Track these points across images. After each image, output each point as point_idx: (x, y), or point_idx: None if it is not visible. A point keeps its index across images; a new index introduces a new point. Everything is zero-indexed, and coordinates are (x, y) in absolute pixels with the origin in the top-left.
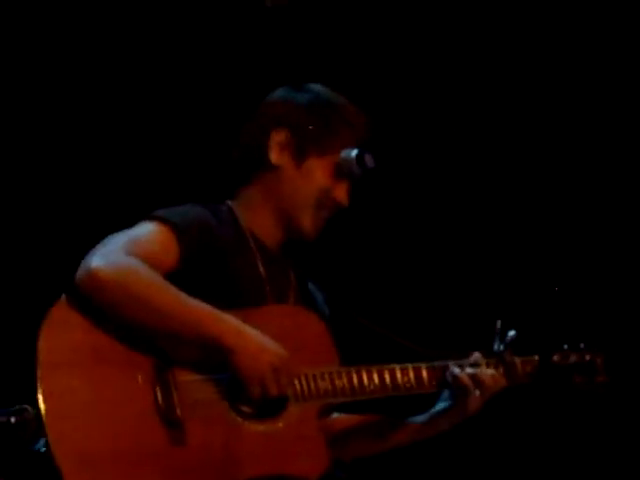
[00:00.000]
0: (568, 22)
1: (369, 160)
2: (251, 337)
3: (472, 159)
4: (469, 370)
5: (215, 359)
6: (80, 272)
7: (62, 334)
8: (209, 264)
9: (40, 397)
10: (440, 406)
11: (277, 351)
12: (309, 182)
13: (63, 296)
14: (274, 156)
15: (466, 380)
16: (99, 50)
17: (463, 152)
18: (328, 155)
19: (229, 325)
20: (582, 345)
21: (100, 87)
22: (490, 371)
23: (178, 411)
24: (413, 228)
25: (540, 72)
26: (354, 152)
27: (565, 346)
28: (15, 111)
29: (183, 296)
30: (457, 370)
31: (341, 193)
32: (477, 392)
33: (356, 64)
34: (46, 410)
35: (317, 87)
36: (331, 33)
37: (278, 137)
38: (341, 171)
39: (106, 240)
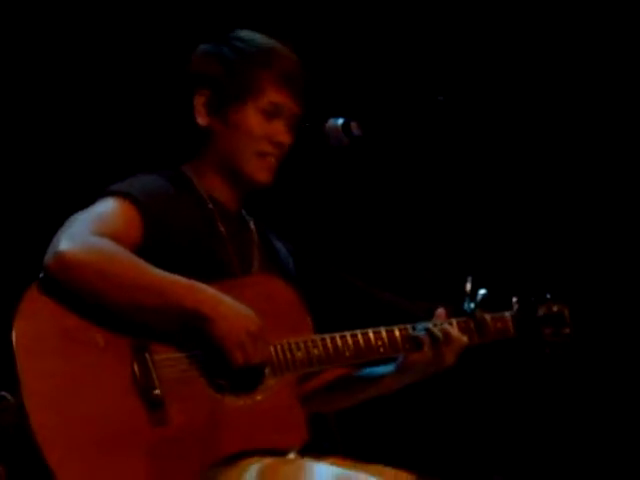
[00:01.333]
0: (568, 22)
1: (355, 128)
2: (228, 305)
3: (442, 115)
4: (441, 326)
5: (192, 332)
6: (48, 257)
7: (37, 320)
8: (171, 232)
9: (20, 384)
10: (410, 359)
11: (253, 318)
12: (241, 134)
13: (35, 281)
14: (200, 120)
15: (437, 332)
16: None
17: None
18: (250, 101)
19: (206, 294)
20: (548, 296)
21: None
22: (456, 330)
23: (157, 390)
24: (382, 179)
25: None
26: (340, 120)
27: (532, 298)
28: None
29: (155, 269)
30: (430, 324)
31: (277, 132)
32: (448, 347)
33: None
34: (27, 397)
35: (233, 35)
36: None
37: (198, 100)
38: (271, 112)
39: (69, 222)
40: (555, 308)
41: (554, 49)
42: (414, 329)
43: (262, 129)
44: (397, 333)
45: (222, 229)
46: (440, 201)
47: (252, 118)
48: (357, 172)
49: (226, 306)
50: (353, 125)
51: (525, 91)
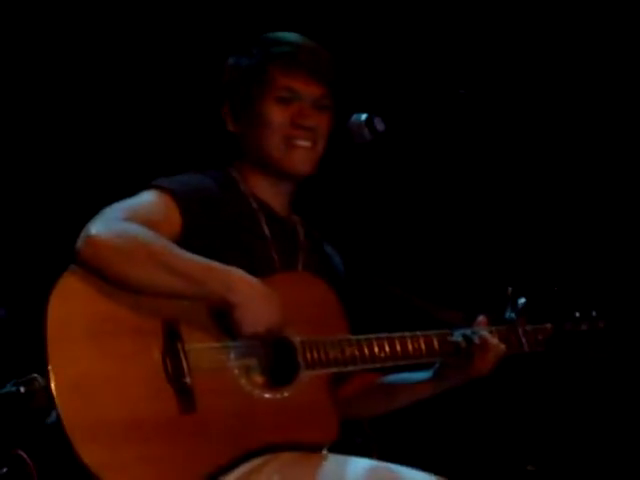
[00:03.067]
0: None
1: (379, 124)
2: (255, 286)
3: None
4: (479, 333)
5: (222, 315)
6: (79, 240)
7: (70, 305)
8: (211, 228)
9: (50, 369)
10: (447, 365)
11: (277, 300)
12: (264, 126)
13: (70, 267)
14: (230, 126)
15: (475, 339)
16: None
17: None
18: (265, 93)
19: (233, 275)
20: (594, 313)
21: (91, 57)
22: (495, 338)
23: (188, 379)
24: (428, 193)
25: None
26: (363, 116)
27: (577, 314)
28: None
29: (187, 254)
30: (469, 331)
31: (299, 115)
32: (485, 354)
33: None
34: (56, 381)
35: (258, 39)
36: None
37: (225, 109)
38: (284, 98)
39: (105, 209)
40: (601, 324)
41: (570, 46)
42: (452, 335)
43: (282, 115)
44: (435, 338)
45: (266, 229)
46: (471, 202)
47: (270, 108)
48: (382, 168)
49: (254, 288)
50: (377, 120)
51: (549, 85)
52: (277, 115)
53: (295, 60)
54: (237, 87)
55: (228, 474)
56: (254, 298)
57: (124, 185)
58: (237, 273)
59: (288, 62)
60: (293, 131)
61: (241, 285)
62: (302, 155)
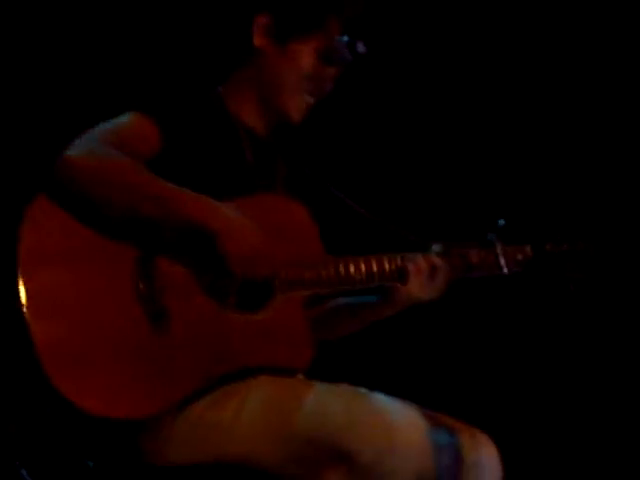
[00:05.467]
0: None
1: (361, 46)
2: (232, 219)
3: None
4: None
5: (195, 244)
6: (57, 163)
7: (42, 232)
8: (192, 150)
9: (22, 296)
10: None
11: (258, 233)
12: (293, 67)
13: (42, 193)
14: (257, 41)
15: (423, 264)
16: None
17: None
18: (313, 40)
19: (211, 207)
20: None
21: None
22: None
23: (161, 302)
24: (407, 117)
25: None
26: (345, 38)
27: (557, 236)
28: None
29: (162, 180)
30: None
31: (327, 78)
32: (433, 277)
33: None
34: (28, 308)
35: None
36: None
37: (261, 21)
38: (327, 57)
39: (86, 132)
40: (580, 246)
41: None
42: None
43: (314, 70)
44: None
45: (249, 155)
46: (453, 126)
47: (311, 56)
48: (362, 92)
49: (230, 220)
50: (359, 43)
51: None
52: (312, 67)
53: (352, 24)
54: (289, 8)
55: (203, 397)
56: (234, 224)
57: (106, 108)
58: (212, 200)
59: (345, 25)
60: (313, 89)
61: (217, 211)
62: (302, 108)
